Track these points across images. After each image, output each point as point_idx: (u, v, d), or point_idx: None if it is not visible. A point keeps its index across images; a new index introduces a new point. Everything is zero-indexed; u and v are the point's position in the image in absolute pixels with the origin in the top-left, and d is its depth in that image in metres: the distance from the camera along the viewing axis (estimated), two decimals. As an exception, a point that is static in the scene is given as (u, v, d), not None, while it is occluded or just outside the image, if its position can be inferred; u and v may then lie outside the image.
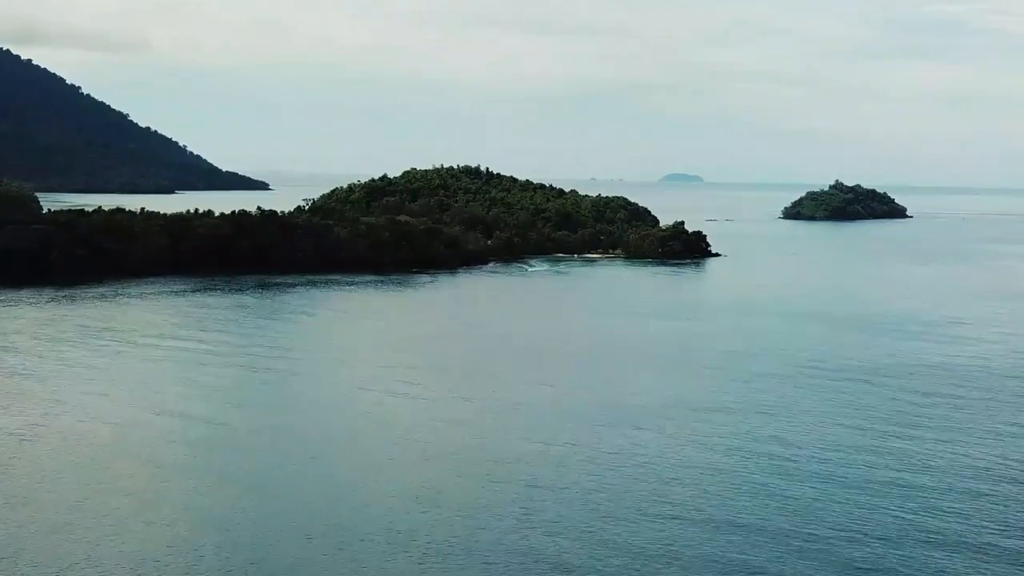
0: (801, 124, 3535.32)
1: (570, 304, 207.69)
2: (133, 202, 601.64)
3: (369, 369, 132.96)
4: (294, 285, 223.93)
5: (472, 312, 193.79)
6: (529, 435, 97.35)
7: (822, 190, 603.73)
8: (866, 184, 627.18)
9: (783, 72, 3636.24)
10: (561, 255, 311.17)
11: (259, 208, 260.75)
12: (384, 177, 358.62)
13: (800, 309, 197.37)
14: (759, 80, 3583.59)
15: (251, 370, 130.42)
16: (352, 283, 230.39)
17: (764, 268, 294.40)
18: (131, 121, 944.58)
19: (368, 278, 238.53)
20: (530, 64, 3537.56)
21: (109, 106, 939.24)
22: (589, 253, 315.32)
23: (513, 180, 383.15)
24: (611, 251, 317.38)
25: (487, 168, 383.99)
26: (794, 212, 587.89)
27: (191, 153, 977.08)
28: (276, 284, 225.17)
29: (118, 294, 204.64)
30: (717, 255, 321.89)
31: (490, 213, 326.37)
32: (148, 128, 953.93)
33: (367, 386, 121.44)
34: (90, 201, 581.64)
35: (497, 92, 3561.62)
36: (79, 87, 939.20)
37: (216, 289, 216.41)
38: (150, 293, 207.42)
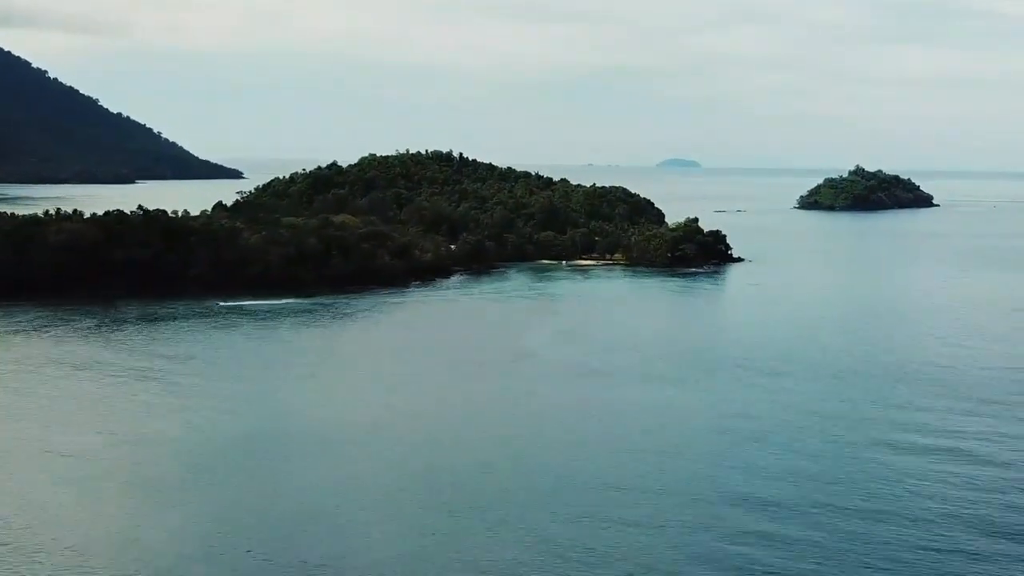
0: (797, 109, 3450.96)
1: (527, 350, 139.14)
2: (81, 192, 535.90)
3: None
4: (177, 318, 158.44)
5: (372, 375, 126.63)
6: None
7: (841, 176, 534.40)
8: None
9: (776, 57, 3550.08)
10: (547, 262, 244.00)
11: (140, 207, 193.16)
12: (333, 165, 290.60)
13: (875, 363, 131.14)
14: (753, 65, 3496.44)
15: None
16: (254, 314, 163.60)
17: (798, 279, 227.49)
18: (101, 107, 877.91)
19: (278, 304, 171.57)
20: (523, 51, 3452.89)
21: (78, 91, 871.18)
22: (581, 259, 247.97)
23: (491, 168, 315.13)
24: (609, 256, 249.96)
25: (460, 154, 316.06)
26: (811, 201, 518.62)
27: (166, 140, 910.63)
28: (153, 316, 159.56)
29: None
30: (739, 259, 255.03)
31: (458, 210, 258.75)
32: (120, 114, 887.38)
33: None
34: (31, 193, 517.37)
35: (491, 79, 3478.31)
36: (45, 71, 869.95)
37: (68, 324, 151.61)
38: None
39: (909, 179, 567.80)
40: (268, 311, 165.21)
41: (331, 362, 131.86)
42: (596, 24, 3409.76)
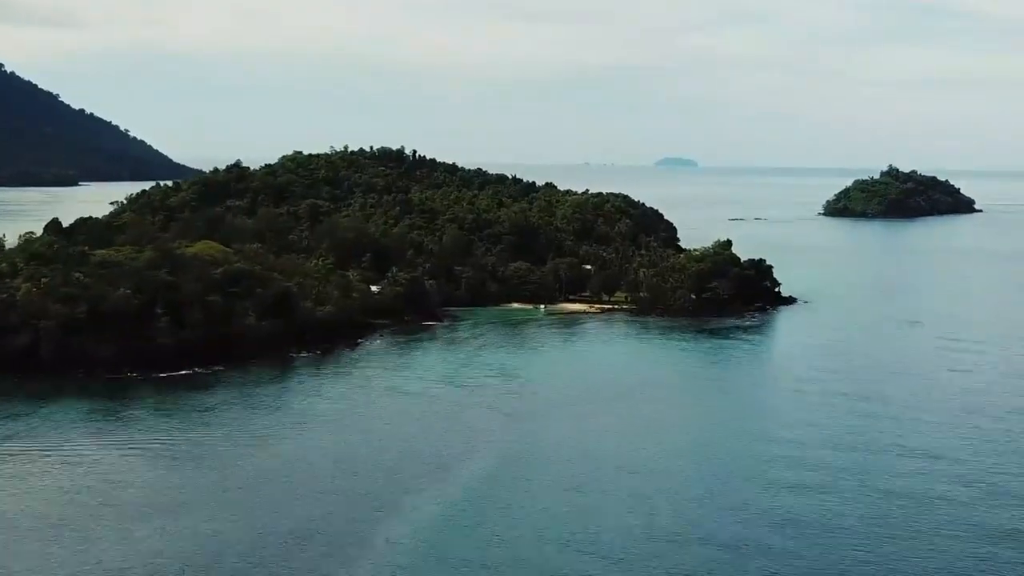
0: (794, 108, 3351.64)
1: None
2: (3, 197, 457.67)
3: None
4: None
5: None
6: None
7: (872, 178, 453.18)
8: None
9: (772, 57, 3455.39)
10: (518, 307, 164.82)
11: None
12: (236, 166, 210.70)
13: None
14: (749, 65, 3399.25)
15: None
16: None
17: (884, 337, 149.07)
18: (62, 103, 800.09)
19: (33, 423, 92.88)
20: (519, 50, 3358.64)
21: (36, 86, 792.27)
22: (568, 302, 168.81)
23: (452, 170, 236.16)
24: (607, 298, 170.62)
25: (413, 151, 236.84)
26: (839, 207, 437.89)
27: (134, 139, 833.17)
28: None
29: None
30: (788, 300, 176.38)
31: (394, 230, 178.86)
32: (82, 111, 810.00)
33: None
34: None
35: (485, 78, 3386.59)
36: (1, 64, 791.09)
37: None
38: None
39: (947, 180, 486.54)
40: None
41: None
42: (592, 24, 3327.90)
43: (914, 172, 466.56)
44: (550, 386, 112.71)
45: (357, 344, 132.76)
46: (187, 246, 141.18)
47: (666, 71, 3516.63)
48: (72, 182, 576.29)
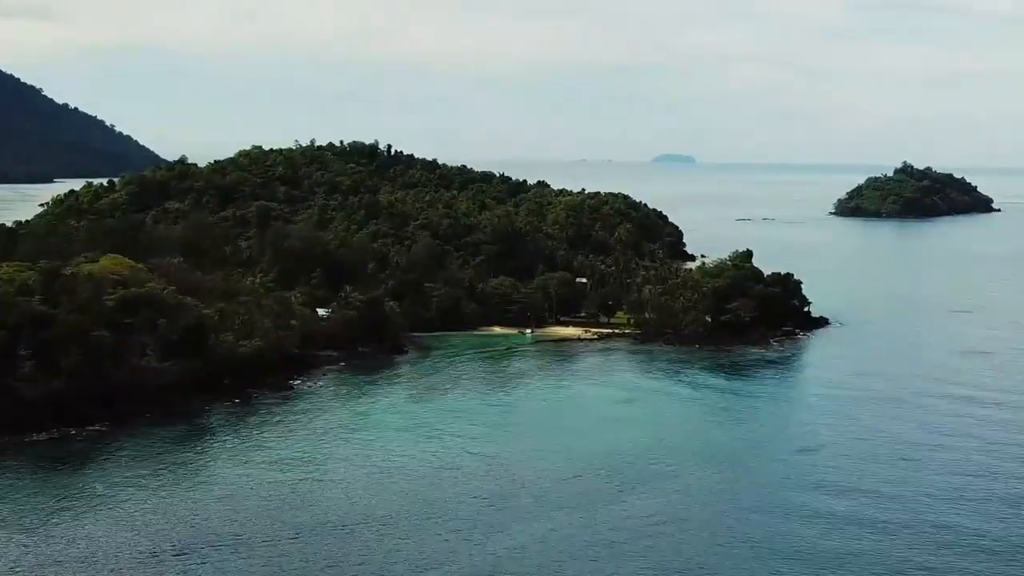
0: (793, 105, 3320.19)
1: None
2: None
3: None
4: None
5: None
6: None
7: (886, 176, 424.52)
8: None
9: (768, 54, 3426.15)
10: (499, 332, 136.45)
11: None
12: (180, 162, 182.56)
13: None
14: (747, 61, 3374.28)
15: None
16: None
17: (951, 371, 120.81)
18: (44, 97, 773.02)
19: None
20: (515, 47, 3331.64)
21: (18, 79, 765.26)
22: (559, 325, 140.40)
23: (431, 166, 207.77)
24: (606, 320, 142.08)
25: (388, 146, 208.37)
26: (852, 206, 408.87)
27: (120, 135, 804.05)
28: None
29: None
30: (822, 322, 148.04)
31: (355, 239, 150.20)
32: (66, 105, 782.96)
33: None
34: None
35: (483, 75, 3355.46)
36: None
37: None
38: None
39: (963, 178, 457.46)
40: None
41: None
42: (591, 21, 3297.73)
43: (929, 169, 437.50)
44: (534, 461, 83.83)
45: (291, 388, 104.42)
46: (90, 262, 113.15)
47: (665, 67, 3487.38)
48: (47, 179, 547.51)
